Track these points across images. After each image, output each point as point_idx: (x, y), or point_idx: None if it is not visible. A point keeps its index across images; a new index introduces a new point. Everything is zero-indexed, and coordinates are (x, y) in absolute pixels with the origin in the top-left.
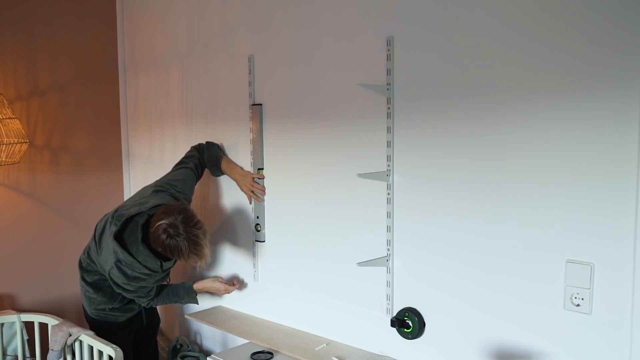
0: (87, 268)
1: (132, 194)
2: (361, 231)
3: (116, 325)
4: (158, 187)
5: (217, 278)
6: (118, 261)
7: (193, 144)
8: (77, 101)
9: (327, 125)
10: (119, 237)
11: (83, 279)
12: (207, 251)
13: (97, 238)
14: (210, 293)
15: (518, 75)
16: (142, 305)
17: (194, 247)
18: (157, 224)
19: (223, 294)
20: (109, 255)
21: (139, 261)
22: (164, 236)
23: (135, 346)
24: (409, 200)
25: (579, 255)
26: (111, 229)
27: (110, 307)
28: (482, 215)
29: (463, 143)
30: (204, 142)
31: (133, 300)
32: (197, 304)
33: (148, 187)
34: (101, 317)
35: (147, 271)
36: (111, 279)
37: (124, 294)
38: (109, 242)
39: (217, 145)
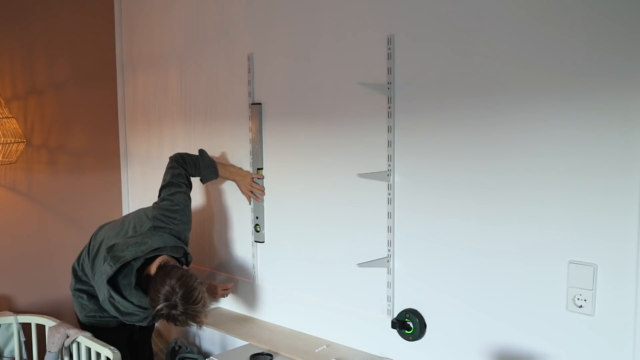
0: (81, 278)
1: (129, 195)
2: (361, 232)
3: (108, 331)
4: (157, 222)
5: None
6: (111, 297)
7: (178, 152)
8: (75, 100)
9: (327, 124)
10: (112, 279)
11: (76, 286)
12: (204, 319)
13: (91, 258)
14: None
15: (520, 75)
16: (143, 325)
17: (192, 319)
18: (156, 293)
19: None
20: (102, 286)
21: (131, 302)
22: (164, 309)
23: (131, 348)
24: (410, 200)
25: (582, 256)
26: (104, 268)
27: (101, 315)
28: (483, 216)
29: (464, 143)
30: (184, 153)
31: None
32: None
33: (144, 216)
34: (92, 323)
35: (140, 309)
36: (107, 304)
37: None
38: (103, 278)
39: (205, 151)
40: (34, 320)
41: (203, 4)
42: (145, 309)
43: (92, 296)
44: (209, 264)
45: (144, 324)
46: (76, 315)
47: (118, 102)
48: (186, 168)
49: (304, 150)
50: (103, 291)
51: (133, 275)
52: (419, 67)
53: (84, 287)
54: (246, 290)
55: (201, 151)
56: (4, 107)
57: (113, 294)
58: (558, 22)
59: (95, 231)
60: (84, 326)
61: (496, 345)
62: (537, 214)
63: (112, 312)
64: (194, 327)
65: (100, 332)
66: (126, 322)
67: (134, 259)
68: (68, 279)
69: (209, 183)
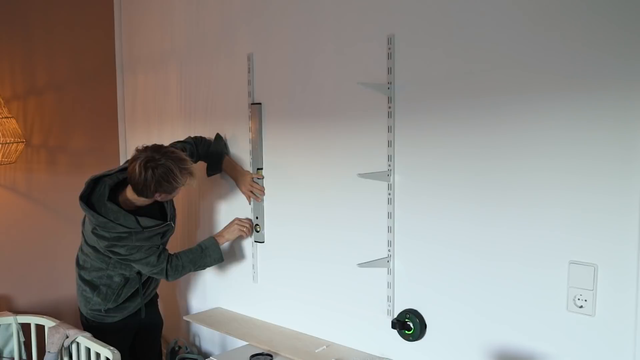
0: (83, 265)
1: None
2: (362, 232)
3: (112, 328)
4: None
5: (233, 223)
6: (94, 228)
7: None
8: (75, 100)
9: (327, 124)
10: (88, 202)
11: (80, 277)
12: (191, 167)
13: (85, 228)
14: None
15: (521, 75)
16: (166, 279)
17: (181, 163)
18: (132, 170)
19: (248, 234)
20: (88, 225)
21: (111, 220)
22: (149, 172)
23: (137, 349)
24: (410, 200)
25: (582, 256)
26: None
27: (106, 307)
28: (484, 216)
29: (465, 143)
30: (204, 137)
31: (128, 299)
32: (223, 260)
33: None
34: (97, 318)
35: (124, 229)
36: (107, 252)
37: (134, 264)
38: (79, 202)
39: (224, 142)
40: (33, 320)
41: (203, 4)
42: (130, 227)
43: (96, 287)
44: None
45: (144, 266)
46: (80, 314)
47: (118, 102)
48: (197, 145)
49: (304, 150)
50: (88, 229)
51: (106, 189)
52: (419, 67)
53: (86, 276)
54: (246, 290)
55: (218, 136)
56: (4, 107)
57: (88, 212)
58: (558, 23)
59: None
60: (87, 321)
61: (496, 345)
62: (537, 214)
63: (102, 244)
64: (193, 327)
65: (105, 332)
66: (150, 274)
67: (107, 176)
68: (68, 279)
69: (208, 181)
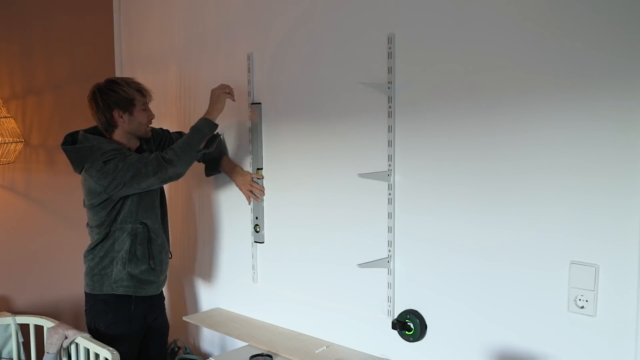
0: (94, 245)
1: None
2: (362, 232)
3: (122, 336)
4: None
5: (211, 95)
6: (88, 167)
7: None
8: (74, 100)
9: (327, 124)
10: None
11: (92, 260)
12: (142, 84)
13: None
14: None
15: (522, 76)
16: (173, 173)
17: (126, 79)
18: (89, 111)
19: (231, 93)
20: (82, 180)
21: (92, 145)
22: (96, 96)
23: (142, 354)
24: (411, 201)
25: (583, 256)
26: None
27: (127, 272)
28: (485, 217)
29: (465, 143)
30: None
31: (147, 272)
32: (216, 125)
33: None
34: (123, 289)
35: (108, 148)
36: (105, 187)
37: (133, 168)
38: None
39: (223, 142)
40: (32, 320)
41: (203, 3)
42: (108, 145)
43: (111, 258)
44: (209, 263)
45: (139, 164)
46: (92, 300)
47: None
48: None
49: (303, 150)
50: (83, 183)
51: (82, 131)
52: (420, 66)
53: (100, 254)
54: (246, 290)
55: (217, 135)
56: (2, 106)
57: (69, 149)
58: (558, 23)
59: None
60: (96, 298)
61: (497, 345)
62: (538, 214)
63: (95, 173)
64: (192, 327)
65: (111, 339)
66: (128, 220)
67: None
68: (67, 279)
69: (208, 181)
